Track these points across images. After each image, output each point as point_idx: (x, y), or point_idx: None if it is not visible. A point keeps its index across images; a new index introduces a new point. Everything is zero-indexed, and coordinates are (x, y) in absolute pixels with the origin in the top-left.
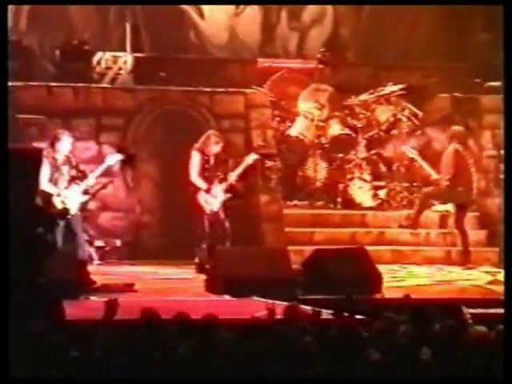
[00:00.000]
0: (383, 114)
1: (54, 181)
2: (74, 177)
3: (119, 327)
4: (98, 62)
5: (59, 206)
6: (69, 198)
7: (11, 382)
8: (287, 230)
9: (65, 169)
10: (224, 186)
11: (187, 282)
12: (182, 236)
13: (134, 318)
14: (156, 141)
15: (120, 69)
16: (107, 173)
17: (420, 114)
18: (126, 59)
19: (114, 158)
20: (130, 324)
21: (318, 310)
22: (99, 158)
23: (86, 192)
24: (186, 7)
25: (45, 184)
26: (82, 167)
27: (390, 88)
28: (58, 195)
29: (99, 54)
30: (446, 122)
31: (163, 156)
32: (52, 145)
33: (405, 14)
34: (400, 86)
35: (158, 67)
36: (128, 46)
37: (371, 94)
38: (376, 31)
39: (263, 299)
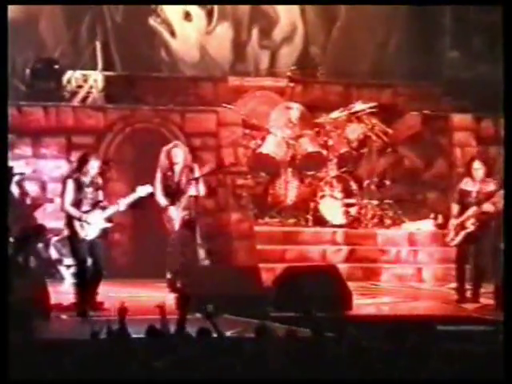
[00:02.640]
0: (353, 132)
1: (76, 203)
2: (98, 201)
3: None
4: (69, 81)
5: (78, 229)
6: (90, 222)
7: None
8: (258, 247)
9: (89, 191)
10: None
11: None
12: (154, 254)
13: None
14: (127, 159)
15: (91, 87)
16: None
17: (390, 131)
18: (97, 78)
19: (144, 190)
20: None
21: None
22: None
23: (109, 219)
24: (156, 26)
25: (67, 206)
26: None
27: (360, 106)
28: (80, 219)
29: (69, 73)
30: (416, 140)
31: (134, 174)
32: (79, 166)
33: (374, 32)
34: (370, 104)
35: (129, 86)
36: (99, 65)
37: (342, 112)
38: (346, 49)
39: (234, 317)
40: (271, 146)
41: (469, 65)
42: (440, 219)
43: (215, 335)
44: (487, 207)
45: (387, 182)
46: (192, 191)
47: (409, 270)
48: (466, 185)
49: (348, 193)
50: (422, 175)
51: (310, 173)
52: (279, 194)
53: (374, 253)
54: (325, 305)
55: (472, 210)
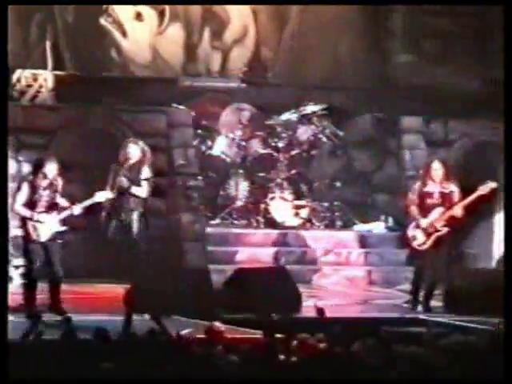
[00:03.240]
0: (304, 133)
1: (31, 204)
2: (54, 204)
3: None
4: (18, 80)
5: (31, 230)
6: (43, 222)
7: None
8: (209, 248)
9: (45, 194)
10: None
11: (108, 300)
12: (106, 254)
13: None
14: (77, 159)
15: (41, 86)
16: None
17: (341, 134)
18: (47, 77)
19: (103, 195)
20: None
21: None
22: (17, 177)
23: (64, 222)
24: (107, 26)
25: (18, 207)
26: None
27: (312, 108)
28: (31, 219)
29: (19, 72)
30: (366, 143)
31: (85, 174)
32: (35, 169)
33: (326, 35)
34: (321, 106)
35: (79, 85)
36: (49, 64)
37: (293, 113)
38: (297, 51)
39: (184, 318)
40: (222, 148)
41: (419, 68)
42: (390, 221)
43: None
44: (456, 211)
45: (337, 184)
46: (135, 190)
47: (359, 272)
48: (427, 187)
49: (298, 194)
50: (372, 177)
51: (260, 174)
52: (230, 195)
53: (324, 255)
54: (275, 306)
55: (438, 212)
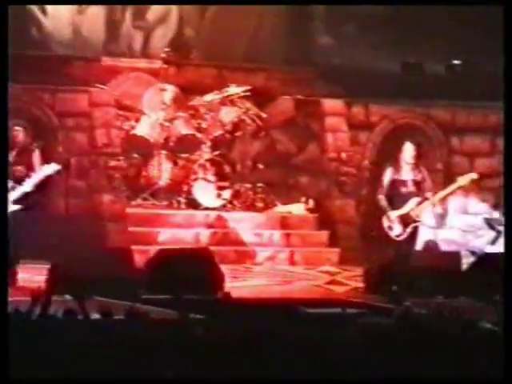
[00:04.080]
0: (227, 115)
1: None
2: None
3: None
4: None
5: None
6: None
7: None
8: (131, 229)
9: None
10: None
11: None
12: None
13: None
14: None
15: None
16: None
17: (263, 115)
18: None
19: (50, 168)
20: None
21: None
22: None
23: (17, 201)
24: (28, 4)
25: None
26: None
27: (234, 89)
28: None
29: None
30: (288, 124)
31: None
32: None
33: (248, 16)
34: (244, 88)
35: None
36: None
37: (216, 95)
38: (220, 32)
39: (105, 299)
40: (145, 128)
41: (340, 50)
42: (311, 203)
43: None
44: (433, 203)
45: (260, 166)
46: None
47: (281, 253)
48: (399, 174)
49: (221, 176)
50: (293, 159)
51: (183, 155)
52: (152, 176)
53: (246, 235)
54: (197, 287)
55: (415, 202)
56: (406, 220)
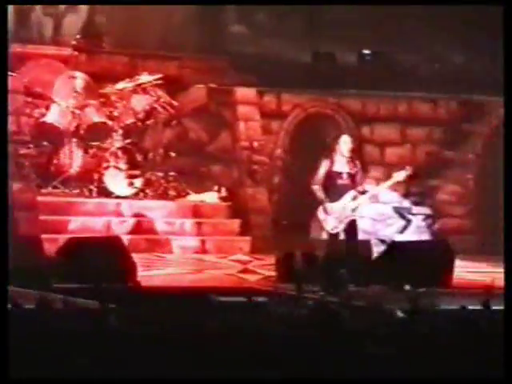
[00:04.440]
0: (139, 103)
1: None
2: None
3: None
4: None
5: None
6: None
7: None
8: (41, 218)
9: None
10: None
11: None
12: None
13: None
14: None
15: None
16: None
17: (175, 103)
18: None
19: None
20: None
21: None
22: None
23: None
24: None
25: None
26: None
27: (146, 77)
28: None
29: None
30: (200, 113)
31: None
32: None
33: (161, 4)
34: (156, 76)
35: None
36: None
37: (127, 82)
38: (132, 19)
39: (17, 288)
40: (55, 116)
41: (253, 39)
42: (223, 192)
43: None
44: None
45: (172, 154)
46: None
47: (193, 242)
48: (335, 165)
49: (133, 164)
50: (206, 148)
51: (94, 143)
52: (63, 163)
53: (158, 224)
54: (108, 276)
55: (351, 195)
56: (341, 213)
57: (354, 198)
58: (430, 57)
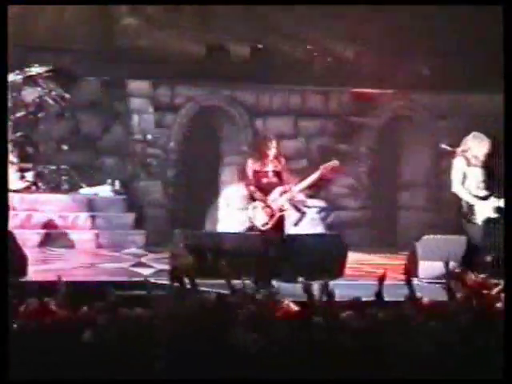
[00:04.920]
0: (30, 95)
1: None
2: None
3: None
4: None
5: None
6: None
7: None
8: None
9: None
10: None
11: None
12: None
13: None
14: None
15: None
16: None
17: (67, 96)
18: None
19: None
20: None
21: None
22: None
23: None
24: None
25: None
26: None
27: (37, 69)
28: None
29: None
30: (93, 106)
31: None
32: None
33: None
34: (47, 68)
35: None
36: None
37: (17, 74)
38: (24, 10)
39: None
40: None
41: (145, 32)
42: (117, 185)
43: None
44: (294, 193)
45: (64, 147)
46: None
47: (86, 236)
48: (259, 164)
49: (24, 157)
50: (99, 141)
51: None
52: None
53: (51, 218)
54: None
55: (278, 191)
56: (269, 210)
57: (281, 195)
58: (323, 50)
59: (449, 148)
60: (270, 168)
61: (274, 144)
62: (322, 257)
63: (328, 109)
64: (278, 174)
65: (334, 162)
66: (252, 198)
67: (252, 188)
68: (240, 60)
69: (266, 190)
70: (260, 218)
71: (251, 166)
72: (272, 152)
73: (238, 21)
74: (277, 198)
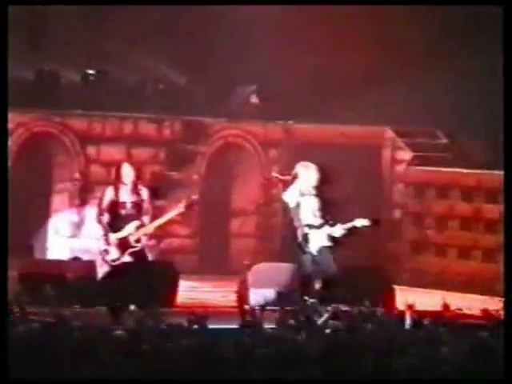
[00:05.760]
0: None
1: None
2: None
3: None
4: None
5: None
6: None
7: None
8: None
9: None
10: None
11: None
12: None
13: None
14: None
15: None
16: None
17: None
18: None
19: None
20: None
21: None
22: None
23: None
24: None
25: None
26: None
27: None
28: None
29: None
30: None
31: None
32: None
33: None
34: None
35: None
36: None
37: None
38: None
39: None
40: None
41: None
42: None
43: None
44: (149, 230)
45: None
46: None
47: None
48: (118, 194)
49: None
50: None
51: None
52: None
53: None
54: None
55: (134, 225)
56: (124, 244)
57: (137, 229)
58: (155, 77)
59: (281, 176)
60: (129, 199)
61: (131, 174)
62: (153, 284)
63: (161, 136)
64: (137, 205)
65: (193, 198)
66: (105, 229)
67: (100, 217)
68: (71, 86)
69: (122, 222)
70: (112, 252)
71: (110, 195)
72: (129, 180)
73: (69, 45)
74: (132, 233)
